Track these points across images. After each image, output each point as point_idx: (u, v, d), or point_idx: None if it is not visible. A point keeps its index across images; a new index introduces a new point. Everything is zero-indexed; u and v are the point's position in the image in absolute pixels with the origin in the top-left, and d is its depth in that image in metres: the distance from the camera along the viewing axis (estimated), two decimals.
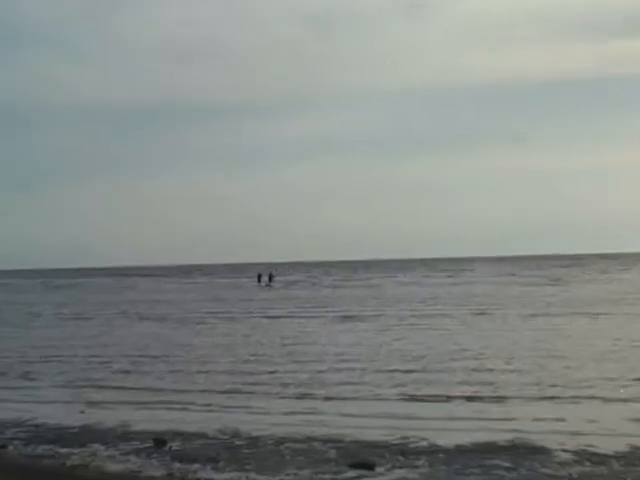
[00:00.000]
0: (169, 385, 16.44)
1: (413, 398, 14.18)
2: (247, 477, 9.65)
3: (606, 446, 10.36)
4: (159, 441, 11.29)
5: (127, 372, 18.55)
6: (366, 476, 9.56)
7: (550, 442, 10.66)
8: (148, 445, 11.19)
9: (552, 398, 13.82)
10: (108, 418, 13.08)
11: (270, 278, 71.36)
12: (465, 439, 10.96)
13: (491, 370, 17.11)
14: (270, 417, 12.90)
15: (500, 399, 13.83)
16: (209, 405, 14.08)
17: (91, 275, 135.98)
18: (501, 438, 10.92)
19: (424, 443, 10.87)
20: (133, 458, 10.64)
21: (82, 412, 13.80)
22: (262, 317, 34.69)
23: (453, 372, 16.93)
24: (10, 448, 11.38)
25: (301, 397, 14.63)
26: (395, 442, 10.98)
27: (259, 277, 72.70)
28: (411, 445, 10.82)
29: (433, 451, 10.50)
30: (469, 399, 13.89)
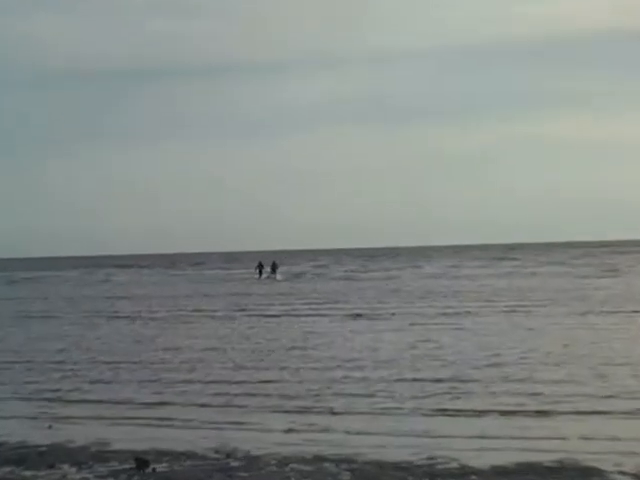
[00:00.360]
0: (151, 397, 16.53)
1: (441, 412, 14.23)
2: None
3: None
4: (141, 462, 11.37)
5: (102, 381, 18.66)
6: None
7: (604, 463, 10.69)
8: (128, 466, 11.26)
9: (607, 413, 13.83)
10: (80, 435, 13.17)
11: (273, 269, 71.37)
12: (503, 459, 11.00)
13: (535, 379, 17.14)
14: (271, 435, 12.97)
15: (545, 414, 13.86)
16: (198, 420, 14.15)
17: (57, 267, 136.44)
18: (546, 458, 10.95)
19: (454, 464, 10.92)
20: None
21: (50, 427, 13.91)
22: (262, 315, 34.78)
23: (489, 381, 16.97)
24: None
25: (306, 411, 14.71)
26: (420, 463, 11.03)
27: (260, 268, 72.66)
28: (439, 466, 10.87)
29: (465, 473, 10.55)
30: (508, 413, 13.92)
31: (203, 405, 15.51)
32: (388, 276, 72.65)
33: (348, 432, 12.97)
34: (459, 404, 14.80)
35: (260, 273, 71.78)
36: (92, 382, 18.56)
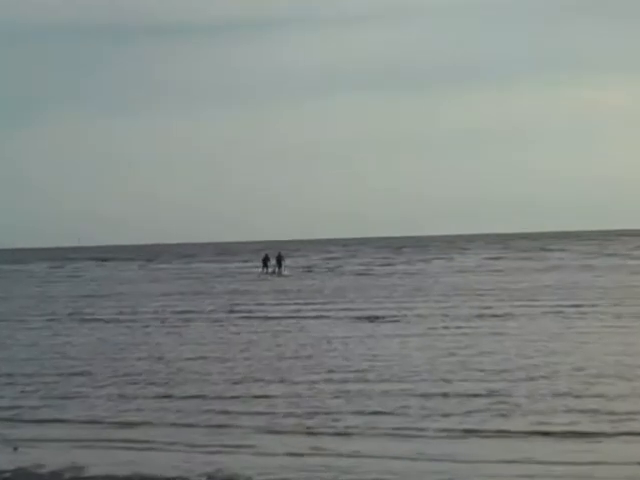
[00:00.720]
0: (132, 415, 16.59)
1: (477, 433, 14.25)
2: None
3: None
4: None
5: (75, 397, 18.73)
6: None
7: None
8: None
9: None
10: (50, 459, 13.26)
11: (279, 262, 71.50)
12: None
13: (589, 393, 17.13)
14: (273, 459, 13.03)
15: (601, 435, 13.85)
16: (186, 443, 14.21)
17: (21, 259, 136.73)
18: None
19: None
20: None
21: (15, 449, 14.02)
22: (263, 318, 34.84)
23: (536, 396, 16.97)
24: None
25: (315, 431, 14.76)
26: None
27: (265, 261, 72.74)
28: None
29: None
30: (557, 435, 13.94)
31: (192, 425, 15.54)
32: (413, 271, 72.64)
33: (364, 456, 13.02)
34: (498, 423, 14.80)
35: (265, 267, 71.91)
36: (63, 397, 18.63)
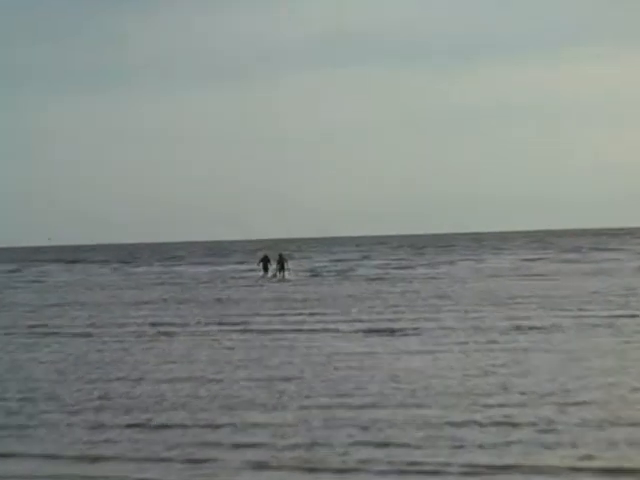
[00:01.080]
0: (105, 448, 16.55)
1: (512, 470, 14.12)
2: None
3: None
4: None
5: (38, 426, 18.66)
6: None
7: None
8: None
9: None
10: None
11: (281, 264, 71.71)
12: None
13: None
14: None
15: None
16: None
17: None
18: None
19: None
20: None
21: None
22: (261, 331, 34.85)
23: (588, 424, 16.88)
24: None
25: (316, 467, 14.70)
26: None
27: (265, 262, 73.00)
28: None
29: None
30: (609, 472, 13.83)
31: (173, 459, 15.48)
32: (436, 274, 72.72)
33: None
34: (539, 458, 14.68)
35: (265, 270, 72.14)
36: (25, 427, 18.57)
